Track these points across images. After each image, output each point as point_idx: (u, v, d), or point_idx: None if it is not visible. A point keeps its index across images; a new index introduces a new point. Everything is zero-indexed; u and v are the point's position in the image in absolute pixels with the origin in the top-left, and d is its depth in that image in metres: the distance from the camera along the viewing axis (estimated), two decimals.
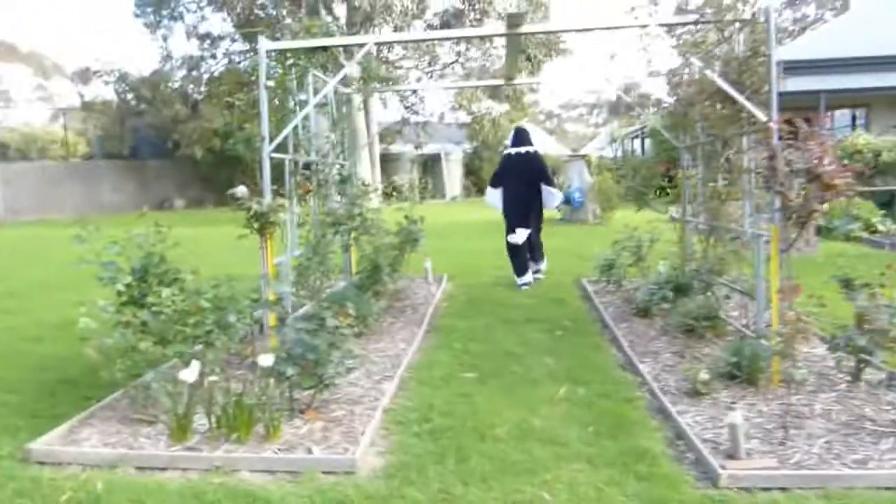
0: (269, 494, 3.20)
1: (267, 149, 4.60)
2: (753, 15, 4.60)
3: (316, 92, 5.76)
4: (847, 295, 4.39)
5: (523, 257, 8.56)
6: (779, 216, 4.35)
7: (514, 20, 4.69)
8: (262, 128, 4.61)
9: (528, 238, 8.52)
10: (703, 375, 4.48)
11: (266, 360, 3.71)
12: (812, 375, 4.80)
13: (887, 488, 3.22)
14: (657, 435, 3.94)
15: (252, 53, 25.86)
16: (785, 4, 53.26)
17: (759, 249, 4.81)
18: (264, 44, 4.74)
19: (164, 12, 26.98)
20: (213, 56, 27.75)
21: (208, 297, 4.35)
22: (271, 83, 4.73)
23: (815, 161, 3.78)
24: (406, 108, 27.98)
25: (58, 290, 8.94)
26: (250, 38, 25.91)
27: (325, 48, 5.29)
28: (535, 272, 8.88)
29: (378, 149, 26.86)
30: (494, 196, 8.92)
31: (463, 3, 24.84)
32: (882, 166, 14.87)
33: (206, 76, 27.49)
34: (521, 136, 8.79)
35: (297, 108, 5.24)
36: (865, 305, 4.16)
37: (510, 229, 8.50)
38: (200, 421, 3.92)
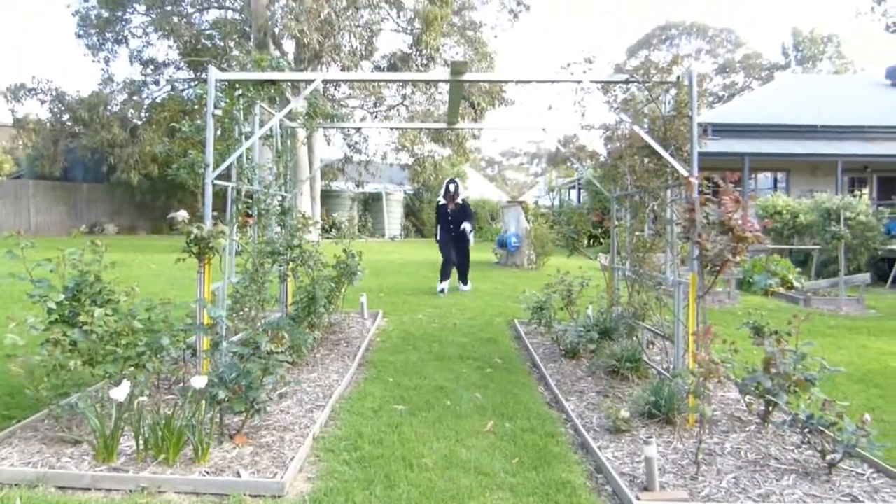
0: None
1: (210, 175, 4.67)
2: (678, 78, 4.97)
3: (262, 124, 5.87)
4: (756, 341, 4.69)
5: (448, 270, 12.09)
6: (696, 265, 4.65)
7: (457, 68, 4.94)
8: (207, 154, 4.68)
9: (456, 264, 12.20)
10: (624, 413, 4.70)
11: (199, 381, 3.73)
12: (725, 417, 5.10)
13: None
14: (578, 468, 4.10)
15: (197, 82, 25.84)
16: (716, 71, 56.34)
17: (679, 296, 5.10)
18: (214, 73, 4.84)
19: (109, 35, 26.62)
20: (157, 82, 27.46)
21: (142, 318, 4.34)
22: (218, 112, 4.81)
23: (728, 215, 4.09)
24: (349, 146, 28.17)
25: None
26: (195, 66, 25.84)
27: (273, 82, 5.42)
28: (464, 286, 12.40)
29: (319, 185, 26.88)
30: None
31: (410, 48, 25.40)
32: (799, 227, 15.74)
33: (147, 101, 27.09)
34: (451, 191, 11.95)
35: (243, 137, 5.33)
36: (772, 351, 4.46)
37: (444, 265, 12.06)
38: (127, 443, 3.89)
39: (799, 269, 13.80)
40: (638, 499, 3.58)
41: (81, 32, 26.53)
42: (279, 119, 5.64)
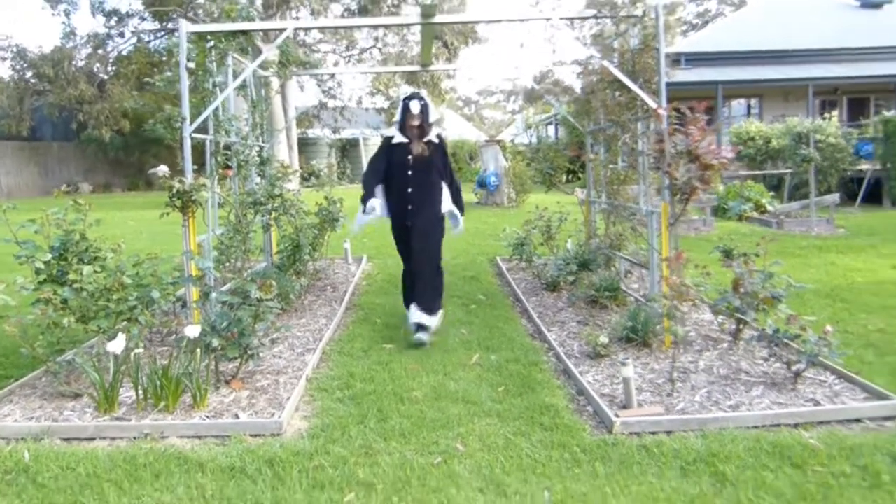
0: (199, 457, 3.38)
1: (188, 129, 4.71)
2: (644, 12, 5.03)
3: (235, 74, 5.86)
4: (725, 263, 4.89)
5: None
6: (667, 194, 4.81)
7: (427, 10, 4.96)
8: (183, 108, 4.71)
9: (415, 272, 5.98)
10: (603, 339, 4.92)
11: (193, 331, 3.87)
12: (699, 338, 5.34)
13: (753, 427, 3.70)
14: (560, 392, 4.33)
15: (164, 33, 25.20)
16: None
17: (653, 224, 5.27)
18: (185, 26, 4.82)
19: None
20: (121, 34, 26.64)
21: (130, 274, 4.45)
22: (191, 65, 4.81)
23: (695, 144, 4.22)
24: (323, 92, 27.75)
25: None
26: (161, 16, 25.11)
27: (244, 32, 5.40)
28: (426, 317, 5.94)
29: (296, 133, 26.57)
30: None
31: None
32: (772, 152, 15.95)
33: (112, 55, 26.41)
34: (414, 112, 5.52)
35: (217, 90, 5.33)
36: (740, 272, 4.67)
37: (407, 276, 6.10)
38: (126, 394, 4.04)
39: (772, 194, 14.08)
40: (617, 416, 3.80)
41: None
42: (252, 69, 5.63)
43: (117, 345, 3.70)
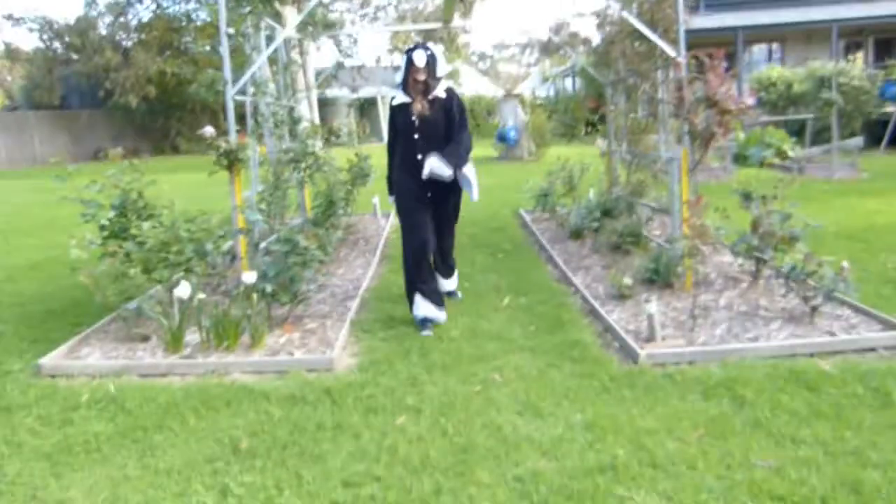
0: (263, 388, 3.75)
1: (230, 91, 4.99)
2: None
3: (267, 39, 6.11)
4: (744, 205, 5.11)
5: (423, 271, 4.99)
6: (687, 140, 5.02)
7: None
8: (225, 72, 4.98)
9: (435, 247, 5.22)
10: (627, 280, 5.20)
11: (249, 277, 4.22)
12: (720, 278, 5.59)
13: (771, 357, 3.97)
14: (588, 330, 4.63)
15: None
16: None
17: (674, 170, 5.49)
18: None
19: None
20: (140, 1, 26.85)
21: (186, 228, 4.79)
22: (231, 30, 5.07)
23: (714, 90, 4.43)
24: (341, 52, 27.76)
25: (14, 236, 9.12)
26: None
27: None
28: (448, 283, 5.57)
29: (315, 93, 26.72)
30: None
31: None
32: (794, 97, 15.87)
33: (134, 22, 26.65)
34: (418, 65, 4.67)
35: (254, 53, 5.60)
36: (758, 213, 4.90)
37: (413, 254, 4.96)
38: (189, 336, 4.42)
39: (794, 139, 14.07)
40: (642, 348, 4.11)
41: None
42: (285, 33, 5.88)
43: (184, 290, 4.06)
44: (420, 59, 4.56)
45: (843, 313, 4.61)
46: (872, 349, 4.04)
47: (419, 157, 4.64)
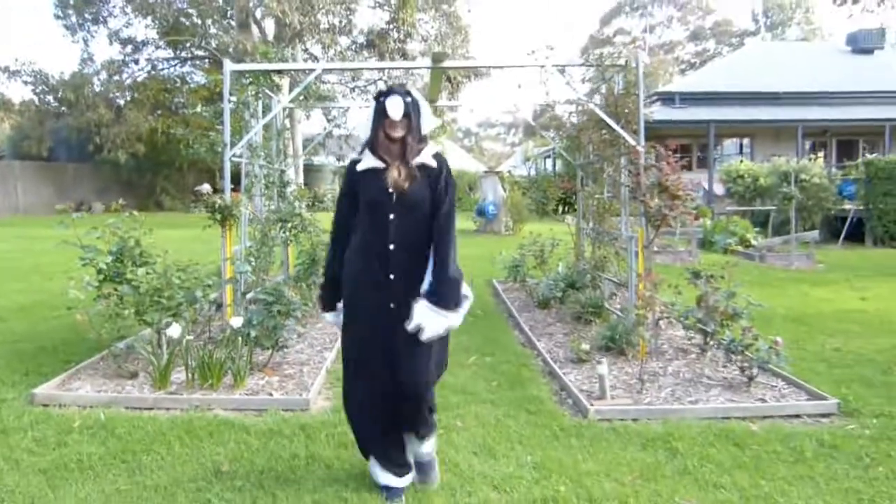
0: (243, 423, 4.08)
1: (228, 153, 5.47)
2: (627, 62, 5.83)
3: (263, 106, 6.66)
4: (692, 281, 5.61)
5: (388, 439, 3.54)
6: (643, 220, 5.56)
7: (437, 57, 5.77)
8: (225, 135, 5.47)
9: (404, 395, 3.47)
10: (585, 346, 5.63)
11: (236, 322, 4.59)
12: (672, 349, 6.03)
13: (707, 418, 4.38)
14: (546, 388, 5.03)
15: (177, 61, 26.28)
16: (688, 38, 57.19)
17: (631, 247, 6.01)
18: (228, 65, 5.61)
19: (87, 15, 26.87)
20: (136, 61, 27.79)
21: (178, 276, 5.17)
22: (233, 98, 5.60)
23: (666, 177, 4.98)
24: (329, 121, 28.74)
25: (1, 281, 9.38)
26: (175, 45, 26.20)
27: (279, 71, 6.20)
28: (423, 451, 3.66)
29: (302, 160, 27.50)
30: None
31: (388, 24, 25.96)
32: (760, 189, 16.76)
33: (128, 81, 27.47)
34: (393, 118, 3.26)
35: (253, 120, 6.12)
36: (705, 289, 5.39)
37: (368, 419, 3.49)
38: (175, 375, 4.74)
39: (758, 229, 14.83)
40: (592, 404, 4.50)
41: (59, 13, 26.77)
42: (282, 104, 6.43)
43: (175, 330, 4.42)
44: (396, 108, 3.17)
45: (777, 384, 5.05)
46: (798, 416, 4.47)
47: (391, 246, 3.18)
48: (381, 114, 3.21)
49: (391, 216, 3.19)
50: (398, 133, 3.20)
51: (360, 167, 3.30)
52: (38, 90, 26.01)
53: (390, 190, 3.18)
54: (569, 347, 5.94)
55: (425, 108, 3.35)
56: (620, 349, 5.72)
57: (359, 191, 3.29)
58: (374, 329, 3.22)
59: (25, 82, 25.41)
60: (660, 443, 3.95)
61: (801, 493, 3.31)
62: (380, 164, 3.23)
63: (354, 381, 3.33)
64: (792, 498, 3.24)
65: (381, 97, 3.25)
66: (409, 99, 3.22)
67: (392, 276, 3.19)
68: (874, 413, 4.43)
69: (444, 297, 3.18)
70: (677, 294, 5.92)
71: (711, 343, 5.73)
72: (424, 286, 3.20)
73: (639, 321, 4.86)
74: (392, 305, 3.18)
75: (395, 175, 3.18)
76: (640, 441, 3.98)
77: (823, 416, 4.46)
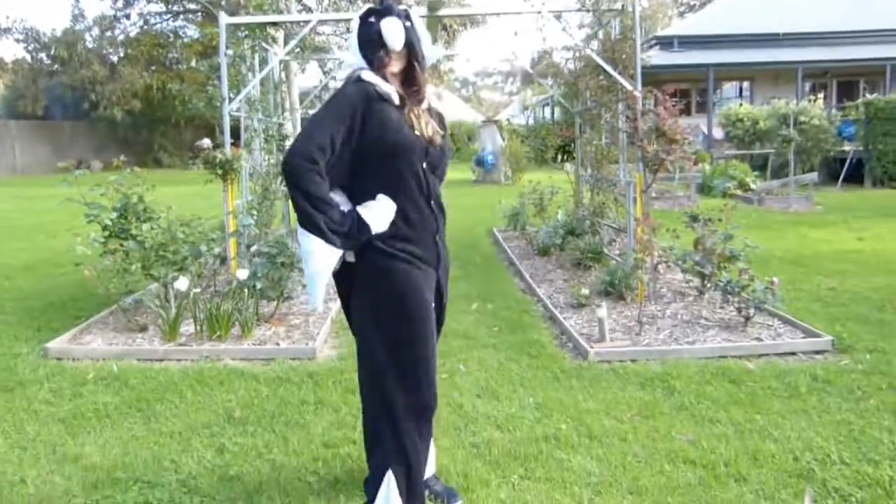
0: (252, 371, 4.20)
1: (227, 108, 5.47)
2: (623, 6, 5.79)
3: (260, 60, 6.62)
4: (689, 224, 5.67)
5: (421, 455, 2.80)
6: (641, 165, 5.59)
7: (433, 5, 5.72)
8: (222, 90, 5.47)
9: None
10: (584, 291, 5.73)
11: (242, 274, 4.68)
12: (670, 292, 6.13)
13: (704, 358, 4.49)
14: (546, 332, 5.14)
15: (169, 15, 25.87)
16: None
17: (630, 192, 6.06)
18: (224, 18, 5.57)
19: None
20: (127, 16, 27.33)
21: (182, 231, 5.24)
22: (230, 52, 5.57)
23: (663, 122, 5.00)
24: (325, 73, 28.40)
25: (2, 241, 9.46)
26: None
27: (274, 23, 6.15)
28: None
29: (299, 113, 27.30)
30: None
31: None
32: (759, 133, 16.69)
33: (120, 37, 27.08)
34: (390, 44, 2.42)
35: (250, 74, 6.10)
36: (702, 232, 5.46)
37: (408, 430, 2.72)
38: (184, 327, 4.85)
39: (757, 173, 14.83)
40: (591, 347, 4.62)
41: None
42: (279, 57, 6.39)
43: (182, 284, 4.51)
44: (396, 35, 2.39)
45: (773, 323, 5.15)
46: (793, 353, 4.58)
47: (434, 209, 2.54)
48: (377, 39, 2.40)
49: (423, 167, 2.49)
50: (395, 68, 2.45)
51: (380, 89, 2.40)
52: (30, 48, 25.71)
53: (417, 133, 2.47)
54: (569, 293, 6.03)
55: (425, 33, 2.59)
56: (619, 293, 5.82)
57: (373, 127, 2.38)
58: (430, 324, 2.57)
59: (17, 40, 25.13)
60: (658, 382, 4.06)
61: (794, 425, 3.42)
62: (395, 98, 2.43)
63: (418, 382, 2.60)
64: (785, 430, 3.36)
65: (369, 16, 2.44)
66: (408, 23, 2.45)
67: (439, 255, 2.60)
68: (867, 349, 4.54)
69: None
70: (675, 238, 5.98)
71: (709, 285, 5.83)
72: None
73: (637, 265, 4.94)
74: (442, 289, 2.68)
75: (420, 120, 2.49)
76: (638, 381, 4.10)
77: (818, 352, 4.57)
